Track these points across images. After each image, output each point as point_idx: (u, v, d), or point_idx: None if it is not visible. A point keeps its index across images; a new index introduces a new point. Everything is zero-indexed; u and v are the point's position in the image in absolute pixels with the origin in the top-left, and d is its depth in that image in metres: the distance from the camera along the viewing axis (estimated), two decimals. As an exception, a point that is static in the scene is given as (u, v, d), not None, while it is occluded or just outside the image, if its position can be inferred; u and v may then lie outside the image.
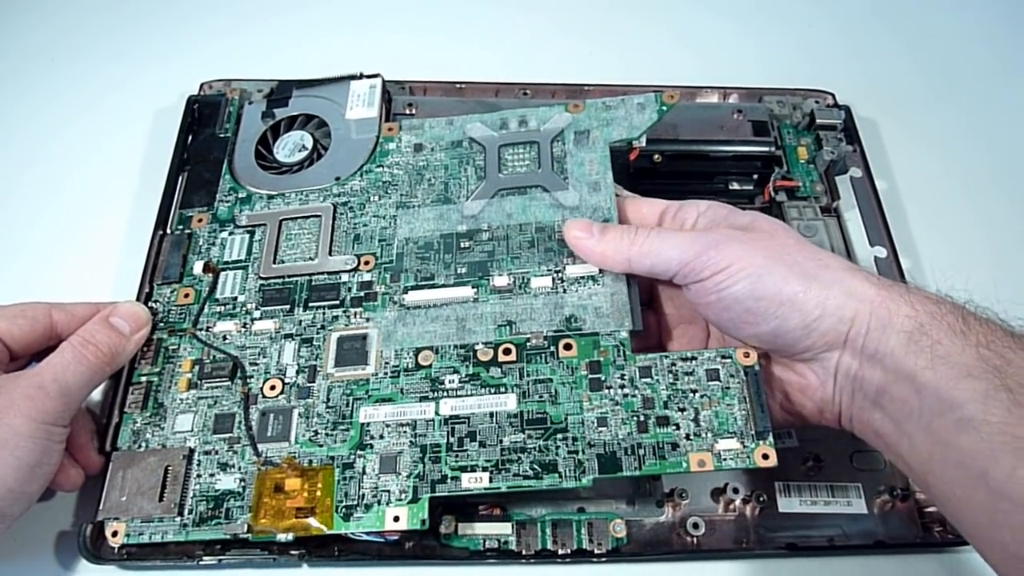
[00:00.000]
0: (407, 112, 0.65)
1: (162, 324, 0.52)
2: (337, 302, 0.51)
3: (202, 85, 0.66)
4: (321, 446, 0.46)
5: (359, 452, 0.46)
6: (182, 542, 0.45)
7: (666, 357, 0.46)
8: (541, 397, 0.46)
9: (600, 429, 0.44)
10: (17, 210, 0.63)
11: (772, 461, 0.42)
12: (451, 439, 0.45)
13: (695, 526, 0.49)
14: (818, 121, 0.64)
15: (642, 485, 0.50)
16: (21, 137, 0.67)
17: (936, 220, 0.65)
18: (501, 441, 0.45)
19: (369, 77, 0.62)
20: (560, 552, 0.48)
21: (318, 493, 0.45)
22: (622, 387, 0.45)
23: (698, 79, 0.68)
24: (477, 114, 0.57)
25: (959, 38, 0.78)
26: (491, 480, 0.44)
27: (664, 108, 0.54)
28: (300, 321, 0.51)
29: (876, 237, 0.61)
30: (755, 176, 0.63)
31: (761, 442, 0.43)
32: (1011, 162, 0.69)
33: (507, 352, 0.47)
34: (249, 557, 0.46)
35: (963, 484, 0.37)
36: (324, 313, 0.51)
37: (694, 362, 0.45)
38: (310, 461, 0.46)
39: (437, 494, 0.44)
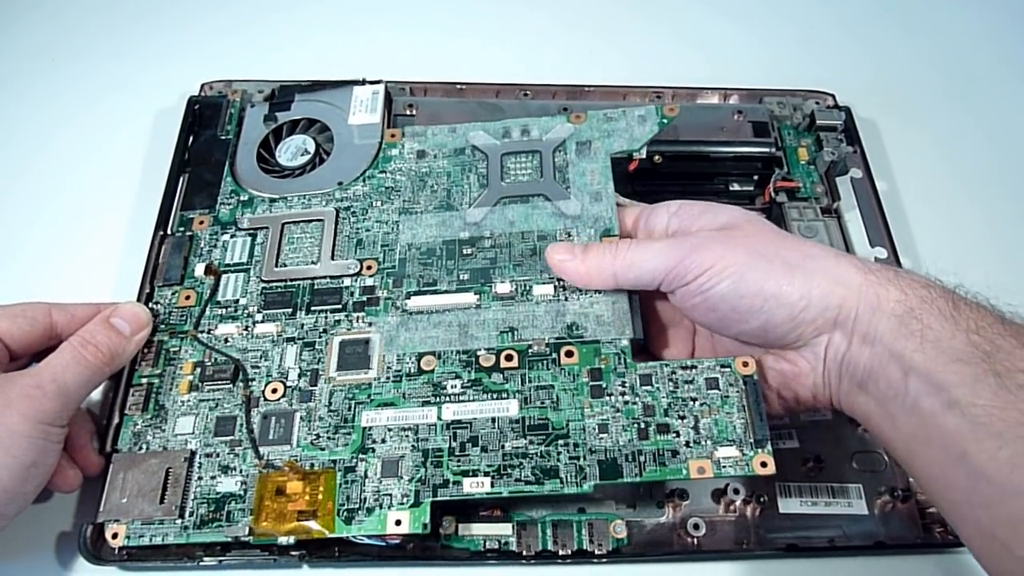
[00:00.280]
0: (407, 113, 0.65)
1: (163, 326, 0.52)
2: (339, 306, 0.51)
3: (203, 86, 0.66)
4: (323, 449, 0.46)
5: (361, 456, 0.46)
6: (182, 544, 0.45)
7: (666, 365, 0.46)
8: (543, 403, 0.46)
9: (601, 435, 0.45)
10: (17, 210, 0.63)
11: (770, 469, 0.43)
12: (453, 444, 0.45)
13: (696, 527, 0.49)
14: (818, 122, 0.64)
15: (643, 486, 0.50)
16: (21, 137, 0.67)
17: (936, 221, 0.65)
18: (503, 446, 0.45)
19: (372, 83, 0.62)
20: (561, 553, 0.48)
21: (320, 496, 0.45)
22: (623, 394, 0.46)
23: (698, 80, 0.68)
24: (480, 121, 0.58)
25: (960, 39, 0.78)
26: (493, 485, 0.44)
27: (665, 121, 0.55)
28: (302, 325, 0.51)
29: (876, 238, 0.61)
30: (755, 177, 0.63)
31: (760, 450, 0.43)
32: (1012, 162, 0.69)
33: (509, 358, 0.48)
34: (249, 558, 0.46)
35: (944, 464, 0.37)
36: (326, 317, 0.51)
37: (694, 371, 0.46)
38: (312, 464, 0.46)
39: (439, 498, 0.44)
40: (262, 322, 0.51)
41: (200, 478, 0.47)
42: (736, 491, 0.49)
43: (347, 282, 0.52)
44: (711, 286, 0.43)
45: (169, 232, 0.57)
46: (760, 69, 0.72)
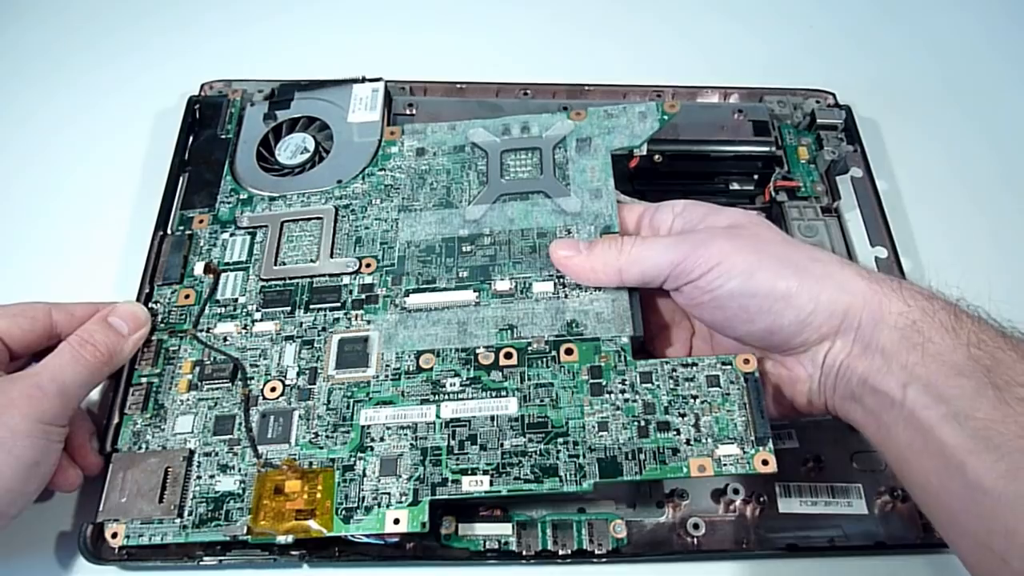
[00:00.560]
0: (407, 112, 0.65)
1: (162, 325, 0.52)
2: (338, 304, 0.51)
3: (203, 86, 0.66)
4: (321, 448, 0.46)
5: (359, 454, 0.46)
6: (181, 543, 0.45)
7: (667, 363, 0.46)
8: (542, 401, 0.46)
9: (601, 433, 0.44)
10: (17, 210, 0.63)
11: (772, 467, 0.42)
12: (452, 442, 0.45)
13: (695, 527, 0.49)
14: (819, 121, 0.64)
15: (642, 486, 0.50)
16: (21, 137, 0.67)
17: (937, 220, 0.65)
18: (502, 444, 0.45)
19: (372, 81, 0.62)
20: (560, 553, 0.48)
21: (318, 495, 0.45)
22: (623, 392, 0.45)
23: (699, 79, 0.68)
24: (479, 119, 0.58)
25: (961, 38, 0.78)
26: (492, 483, 0.44)
27: (666, 117, 0.55)
28: (301, 323, 0.51)
29: (877, 237, 0.61)
30: (756, 176, 0.63)
31: (761, 448, 0.43)
32: (1013, 161, 0.69)
33: (508, 356, 0.47)
34: (250, 558, 0.46)
35: (940, 474, 0.37)
36: (325, 315, 0.51)
37: (695, 368, 0.46)
38: (310, 463, 0.46)
39: (437, 497, 0.44)
40: (261, 320, 0.51)
41: (199, 477, 0.46)
42: (736, 491, 0.49)
43: (346, 280, 0.52)
44: (721, 284, 0.43)
45: (169, 231, 0.57)
46: (760, 68, 0.72)
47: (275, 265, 0.53)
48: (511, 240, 0.52)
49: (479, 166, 0.55)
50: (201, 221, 0.56)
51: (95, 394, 0.51)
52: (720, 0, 0.79)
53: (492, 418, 0.46)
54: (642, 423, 0.44)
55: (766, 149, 0.62)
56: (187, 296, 0.53)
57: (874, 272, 0.43)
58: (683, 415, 0.44)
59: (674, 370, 0.46)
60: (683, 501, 0.50)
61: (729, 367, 0.45)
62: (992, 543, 0.35)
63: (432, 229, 0.53)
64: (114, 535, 0.45)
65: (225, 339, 0.51)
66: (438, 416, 0.46)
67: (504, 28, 0.76)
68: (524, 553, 0.48)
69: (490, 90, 0.67)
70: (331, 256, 0.53)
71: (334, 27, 0.76)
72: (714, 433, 0.44)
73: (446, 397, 0.47)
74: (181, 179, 0.60)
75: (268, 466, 0.46)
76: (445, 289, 0.50)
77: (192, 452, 0.47)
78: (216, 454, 0.47)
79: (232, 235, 0.55)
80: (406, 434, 0.46)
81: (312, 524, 0.44)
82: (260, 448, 0.47)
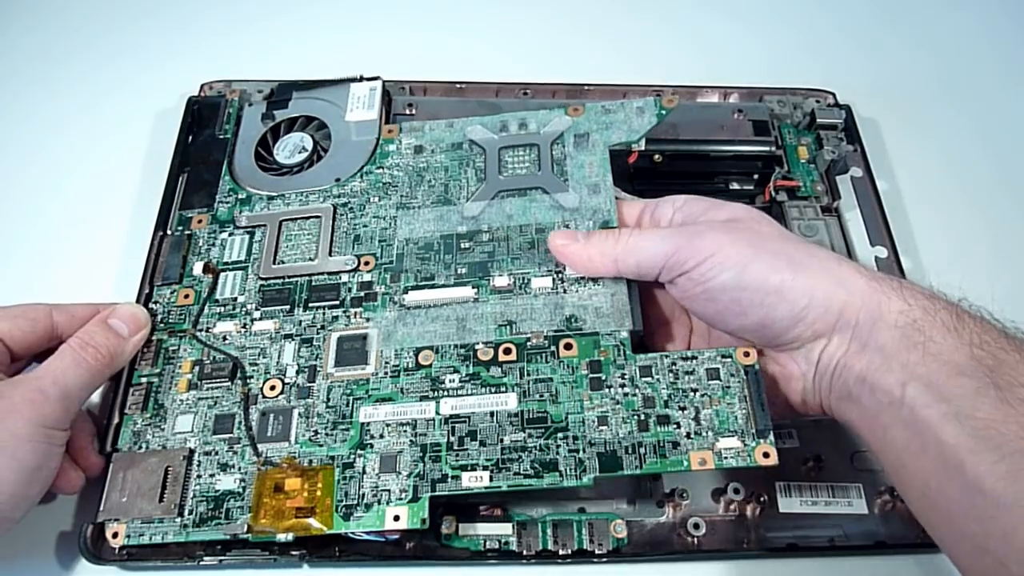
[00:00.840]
0: (407, 112, 0.65)
1: (162, 325, 0.52)
2: (337, 302, 0.51)
3: (202, 86, 0.66)
4: (321, 446, 0.46)
5: (359, 452, 0.46)
6: (182, 543, 0.45)
7: (666, 356, 0.46)
8: (541, 396, 0.46)
9: (601, 428, 0.44)
10: (17, 211, 0.63)
11: (773, 459, 0.42)
12: (451, 438, 0.45)
13: (696, 526, 0.49)
14: (819, 121, 0.64)
15: (642, 485, 0.50)
16: (21, 137, 0.67)
17: (937, 220, 0.64)
18: (501, 440, 0.45)
19: (369, 79, 0.62)
20: (561, 552, 0.47)
21: (318, 493, 0.45)
22: (622, 386, 0.45)
23: (698, 79, 0.68)
24: (477, 116, 0.58)
25: (960, 37, 0.78)
26: (491, 479, 0.44)
27: (663, 112, 0.55)
28: (300, 321, 0.51)
29: (877, 237, 0.61)
30: (756, 176, 0.63)
31: (762, 440, 0.43)
32: (1012, 161, 0.69)
33: (507, 352, 0.47)
34: (250, 557, 0.46)
35: (938, 475, 0.37)
36: (324, 313, 0.51)
37: (694, 361, 0.45)
38: (310, 461, 0.46)
39: (437, 493, 0.44)
40: (260, 319, 0.51)
41: (199, 476, 0.46)
42: (736, 490, 0.49)
43: (344, 278, 0.52)
44: (713, 276, 0.42)
45: (168, 232, 0.57)
46: (760, 67, 0.72)
47: (274, 264, 0.53)
48: (509, 236, 0.52)
49: (477, 163, 0.55)
50: (200, 221, 0.56)
51: (96, 395, 0.51)
52: (720, 0, 0.79)
53: (491, 414, 0.46)
54: (642, 417, 0.44)
55: (766, 149, 0.61)
56: (186, 296, 0.53)
57: (873, 271, 0.42)
58: (683, 408, 0.44)
59: (674, 363, 0.46)
60: (683, 501, 0.49)
61: (729, 360, 0.45)
62: (990, 546, 0.35)
63: (430, 226, 0.53)
64: (115, 535, 0.45)
65: (224, 338, 0.51)
66: (437, 412, 0.46)
67: (503, 28, 0.76)
68: (524, 553, 0.48)
69: (489, 90, 0.67)
70: (330, 254, 0.53)
71: (333, 27, 0.76)
72: (715, 426, 0.43)
73: (445, 393, 0.47)
74: (180, 179, 0.60)
75: (268, 464, 0.46)
76: (444, 286, 0.50)
77: (192, 451, 0.47)
78: (216, 453, 0.47)
79: (231, 235, 0.55)
80: (405, 431, 0.46)
81: (312, 522, 0.44)
82: (260, 446, 0.47)
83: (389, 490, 0.44)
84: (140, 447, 0.48)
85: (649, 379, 0.45)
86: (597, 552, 0.48)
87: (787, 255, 0.42)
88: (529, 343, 0.48)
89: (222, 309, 0.52)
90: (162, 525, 0.45)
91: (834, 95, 0.67)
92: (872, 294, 0.40)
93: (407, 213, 0.54)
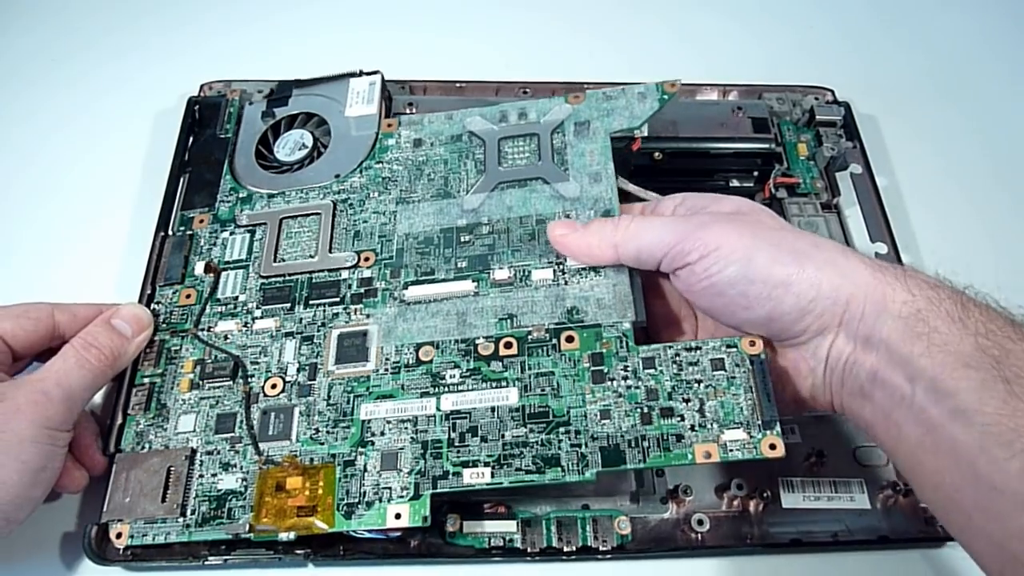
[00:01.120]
0: (407, 111, 0.65)
1: (164, 325, 0.52)
2: (337, 299, 0.51)
3: (202, 86, 0.66)
4: (322, 444, 0.46)
5: (360, 449, 0.46)
6: (187, 543, 0.45)
7: (670, 347, 0.45)
8: (543, 390, 0.45)
9: (603, 422, 0.44)
10: (18, 212, 0.63)
11: (780, 451, 0.41)
12: (452, 435, 0.45)
13: (699, 522, 0.49)
14: (818, 117, 0.65)
15: (646, 482, 0.50)
16: (21, 138, 0.67)
17: (936, 215, 0.65)
18: (503, 436, 0.44)
19: (368, 74, 0.61)
20: (565, 549, 0.47)
21: (320, 491, 0.45)
22: (625, 379, 0.45)
23: (698, 76, 0.68)
24: (476, 108, 0.57)
25: (959, 34, 0.78)
26: (493, 475, 0.43)
27: (665, 97, 0.54)
28: (301, 319, 0.51)
29: (877, 233, 0.61)
30: (755, 173, 0.63)
31: (768, 432, 0.42)
32: (1011, 157, 0.69)
33: (508, 346, 0.47)
34: (254, 557, 0.46)
35: (952, 472, 0.36)
36: (324, 310, 0.51)
37: (698, 352, 0.45)
38: (311, 459, 0.46)
39: (439, 490, 0.44)
40: (261, 318, 0.51)
41: (201, 476, 0.46)
42: (739, 486, 0.49)
43: (344, 275, 0.52)
44: (719, 270, 0.42)
45: (170, 233, 0.57)
46: (759, 65, 0.72)
47: (274, 262, 0.53)
48: (509, 228, 0.51)
49: (476, 155, 0.55)
50: (201, 221, 0.56)
51: (98, 395, 0.51)
52: (719, -1, 0.80)
53: (493, 409, 0.45)
54: (645, 410, 0.44)
55: (766, 146, 0.62)
56: (188, 296, 0.53)
57: (878, 261, 0.41)
58: (687, 400, 0.43)
59: (677, 355, 0.45)
60: (687, 497, 0.49)
61: (734, 350, 0.44)
62: (1011, 546, 0.34)
63: (430, 220, 0.53)
64: (118, 535, 0.45)
65: (226, 337, 0.51)
66: (438, 409, 0.46)
67: (503, 27, 0.77)
68: (529, 550, 0.47)
69: (489, 89, 0.67)
70: (330, 251, 0.53)
71: (333, 27, 0.76)
72: (719, 418, 0.43)
73: (446, 389, 0.46)
74: (181, 179, 0.60)
75: (269, 463, 0.46)
76: (444, 280, 0.50)
77: (194, 451, 0.47)
78: (218, 452, 0.47)
79: (232, 234, 0.55)
80: (406, 428, 0.46)
81: (314, 521, 0.44)
82: (261, 445, 0.47)
83: (390, 488, 0.44)
84: (143, 447, 0.48)
85: (652, 371, 0.45)
86: (601, 549, 0.47)
87: (792, 247, 0.41)
88: (530, 336, 0.47)
89: (223, 308, 0.52)
90: (165, 525, 0.45)
91: (833, 92, 0.68)
92: (877, 285, 0.40)
93: (407, 207, 0.54)
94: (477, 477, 0.44)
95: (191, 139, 0.62)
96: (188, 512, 0.45)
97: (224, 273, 0.53)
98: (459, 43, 0.75)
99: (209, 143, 0.61)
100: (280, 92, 0.63)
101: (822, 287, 0.40)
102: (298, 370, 0.49)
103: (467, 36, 0.75)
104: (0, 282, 0.58)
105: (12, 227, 0.62)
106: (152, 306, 0.53)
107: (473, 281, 0.50)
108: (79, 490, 0.48)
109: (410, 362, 0.48)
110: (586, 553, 0.48)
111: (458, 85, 0.67)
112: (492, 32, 0.76)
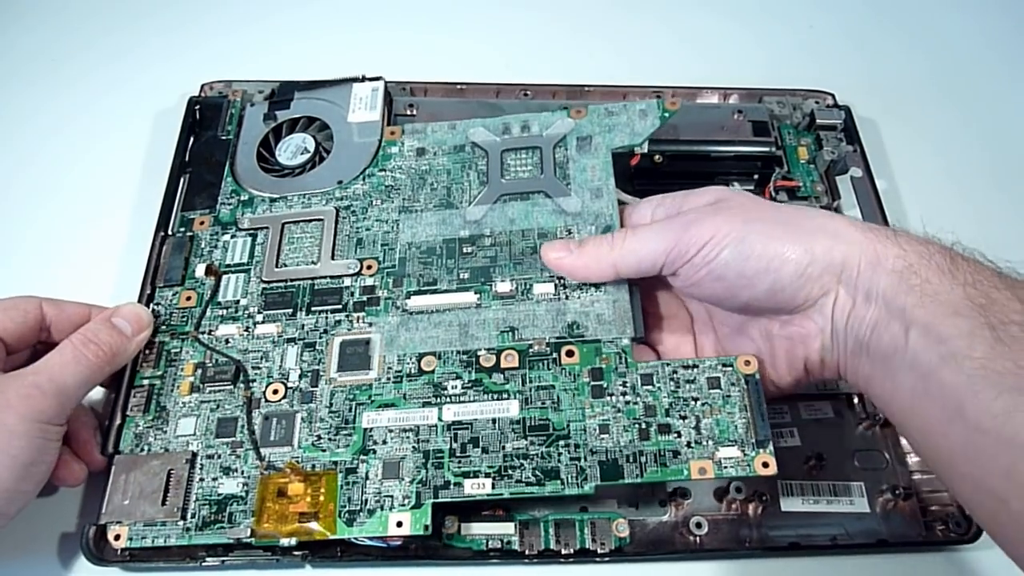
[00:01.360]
0: (408, 113, 0.65)
1: (164, 327, 0.52)
2: (340, 306, 0.51)
3: (203, 86, 0.66)
4: (324, 451, 0.46)
5: (362, 457, 0.46)
6: (185, 545, 0.45)
7: (667, 365, 0.46)
8: (543, 403, 0.46)
9: (602, 436, 0.44)
10: (17, 212, 0.63)
11: (772, 469, 0.43)
12: (454, 445, 0.45)
13: (698, 525, 0.49)
14: (818, 121, 0.64)
15: (644, 485, 0.50)
16: (21, 138, 0.67)
17: (936, 219, 0.63)
18: (503, 447, 0.45)
19: (371, 80, 0.61)
20: (563, 552, 0.48)
21: (321, 498, 0.45)
22: (624, 394, 0.45)
23: (698, 80, 0.68)
24: (479, 118, 0.57)
25: (959, 38, 0.78)
26: (494, 486, 0.44)
27: (666, 115, 0.54)
28: (303, 325, 0.51)
29: (877, 236, 0.61)
30: (756, 176, 0.63)
31: (761, 450, 0.43)
32: (1011, 161, 0.69)
33: (509, 358, 0.47)
34: (252, 558, 0.46)
35: (941, 419, 0.37)
36: (327, 317, 0.51)
37: (695, 370, 0.46)
38: (313, 466, 0.46)
39: (440, 500, 0.44)
40: (263, 323, 0.51)
41: (202, 480, 0.47)
42: (738, 490, 0.49)
43: (347, 282, 0.52)
44: (714, 255, 0.43)
45: (170, 233, 0.57)
46: (760, 68, 0.72)
47: (276, 267, 0.53)
48: (511, 241, 0.52)
49: (479, 166, 0.55)
50: (202, 223, 0.56)
51: (98, 396, 0.51)
52: (720, 1, 0.79)
53: (494, 421, 0.46)
54: (643, 425, 0.44)
55: (766, 149, 0.62)
56: (188, 298, 0.53)
57: (867, 223, 0.43)
58: (684, 417, 0.44)
59: (675, 372, 0.46)
60: (685, 500, 0.50)
61: (730, 369, 0.45)
62: (993, 486, 0.35)
63: (433, 230, 0.53)
64: (117, 536, 0.45)
65: (227, 341, 0.51)
66: (440, 419, 0.46)
67: (504, 29, 0.76)
68: (527, 552, 0.48)
69: (490, 91, 0.67)
70: (332, 258, 0.53)
71: (334, 28, 0.76)
72: (715, 435, 0.44)
73: (448, 400, 0.47)
74: (182, 180, 0.60)
75: (271, 469, 0.46)
76: (446, 291, 0.50)
77: (194, 454, 0.47)
78: (219, 456, 0.47)
79: (233, 237, 0.55)
80: (408, 437, 0.46)
81: (315, 527, 0.44)
82: (263, 451, 0.47)
83: (392, 496, 0.44)
84: (142, 449, 0.48)
85: (650, 387, 0.45)
86: (599, 551, 0.48)
87: (780, 220, 0.43)
88: (531, 350, 0.48)
89: (224, 312, 0.52)
90: (165, 528, 0.45)
91: (833, 96, 0.67)
92: (869, 243, 0.41)
93: (409, 216, 0.54)
94: (478, 488, 0.44)
95: (192, 139, 0.62)
96: (188, 516, 0.45)
97: (225, 276, 0.53)
98: (460, 44, 0.74)
99: (210, 144, 0.61)
100: (282, 94, 0.62)
101: (815, 252, 0.41)
102: (300, 376, 0.49)
103: (468, 37, 0.75)
104: (0, 282, 0.58)
105: (12, 227, 0.62)
106: (151, 307, 0.53)
107: (475, 293, 0.50)
108: (78, 484, 0.48)
109: (412, 372, 0.48)
110: (584, 556, 0.48)
111: (459, 87, 0.66)
112: (493, 33, 0.76)
